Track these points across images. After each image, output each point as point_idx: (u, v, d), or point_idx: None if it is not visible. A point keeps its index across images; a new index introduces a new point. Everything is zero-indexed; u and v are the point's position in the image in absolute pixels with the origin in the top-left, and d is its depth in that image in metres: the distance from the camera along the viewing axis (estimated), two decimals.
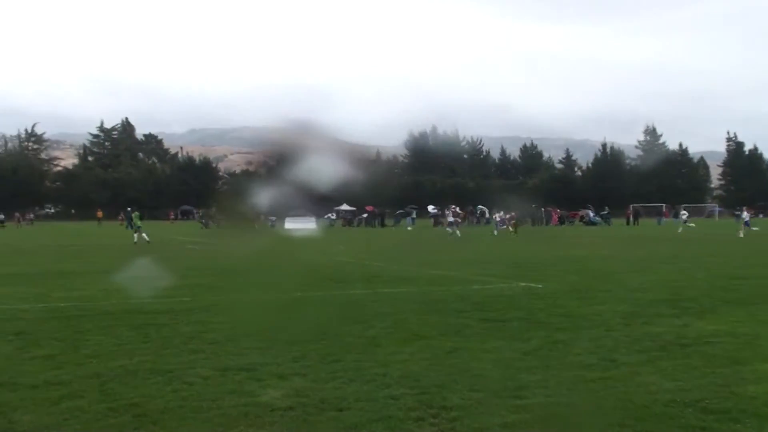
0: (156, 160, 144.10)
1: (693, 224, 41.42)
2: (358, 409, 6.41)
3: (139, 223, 38.83)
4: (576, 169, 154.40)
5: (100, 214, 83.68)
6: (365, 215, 79.17)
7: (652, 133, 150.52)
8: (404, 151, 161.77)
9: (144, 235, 37.22)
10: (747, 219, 46.49)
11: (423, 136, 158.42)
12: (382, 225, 73.12)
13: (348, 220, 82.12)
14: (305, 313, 12.08)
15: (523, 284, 16.46)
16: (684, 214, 51.47)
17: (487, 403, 6.55)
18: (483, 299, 13.78)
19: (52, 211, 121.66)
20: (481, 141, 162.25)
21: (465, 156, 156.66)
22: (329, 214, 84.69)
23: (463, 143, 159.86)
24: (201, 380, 7.40)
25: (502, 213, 57.90)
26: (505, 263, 22.82)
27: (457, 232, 50.30)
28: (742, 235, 41.05)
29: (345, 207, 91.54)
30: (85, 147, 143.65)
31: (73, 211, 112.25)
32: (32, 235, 54.54)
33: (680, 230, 42.88)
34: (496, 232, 51.26)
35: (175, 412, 6.33)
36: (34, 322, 11.31)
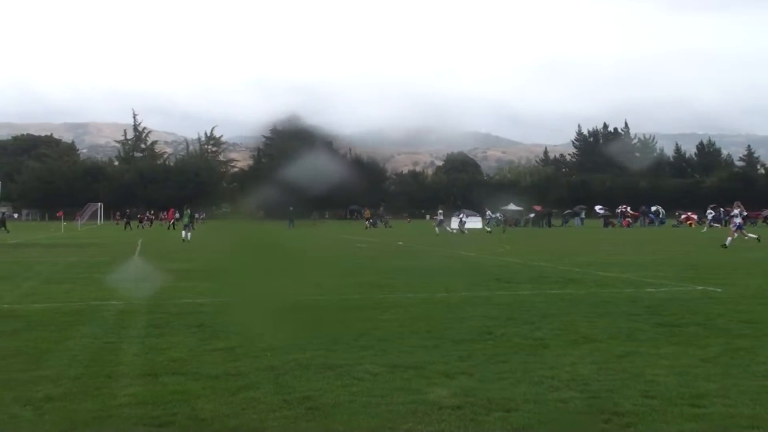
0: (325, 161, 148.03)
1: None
2: (526, 410, 6.32)
3: (186, 220, 41.15)
4: (759, 166, 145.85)
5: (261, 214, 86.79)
6: (532, 215, 78.23)
7: None
8: (572, 150, 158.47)
9: (188, 234, 39.50)
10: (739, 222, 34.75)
11: (592, 133, 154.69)
12: (549, 225, 71.95)
13: (515, 219, 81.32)
14: (472, 313, 12.05)
15: (700, 288, 15.71)
16: None
17: (662, 411, 6.30)
18: (656, 302, 13.28)
19: (229, 210, 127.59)
20: (654, 138, 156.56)
21: (637, 154, 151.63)
22: (496, 214, 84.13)
23: (635, 141, 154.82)
24: (370, 376, 7.54)
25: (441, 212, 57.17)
26: (680, 265, 21.87)
27: (447, 229, 52.27)
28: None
29: (512, 207, 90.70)
30: (259, 149, 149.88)
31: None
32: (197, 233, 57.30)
33: None
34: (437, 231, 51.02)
35: (346, 406, 6.47)
36: (212, 315, 11.89)
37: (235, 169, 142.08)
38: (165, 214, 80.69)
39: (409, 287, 16.19)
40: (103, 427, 5.96)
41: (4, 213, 62.22)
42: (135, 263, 24.88)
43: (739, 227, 33.83)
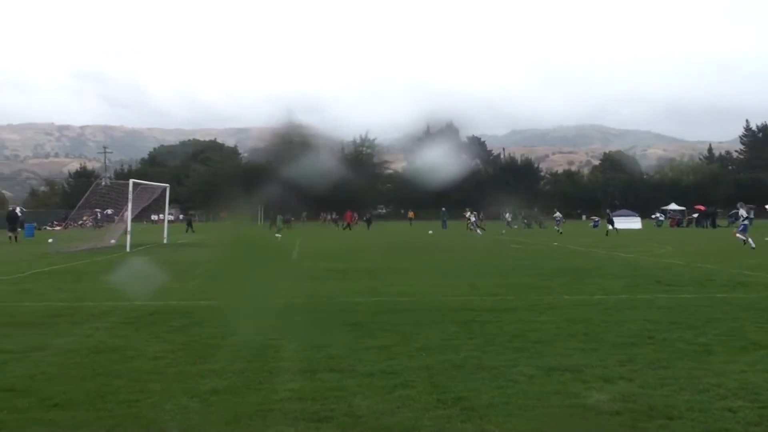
0: (479, 162, 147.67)
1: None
2: (690, 419, 6.06)
3: (281, 225, 45.39)
4: None
5: (411, 214, 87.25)
6: (695, 215, 74.99)
7: None
8: (740, 146, 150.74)
9: (278, 235, 43.26)
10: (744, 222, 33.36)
11: (761, 128, 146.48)
12: (714, 225, 68.67)
13: (676, 220, 78.18)
14: (631, 316, 11.67)
15: None
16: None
17: None
18: None
19: (383, 211, 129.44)
20: None
21: None
22: (656, 214, 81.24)
23: None
24: (525, 378, 7.45)
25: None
26: None
27: (478, 231, 51.99)
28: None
29: (673, 206, 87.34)
30: (412, 151, 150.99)
31: (402, 211, 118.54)
32: (352, 234, 58.31)
33: None
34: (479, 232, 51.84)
35: (501, 408, 6.41)
36: (368, 314, 12.10)
37: (389, 171, 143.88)
38: (328, 214, 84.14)
39: (565, 289, 15.88)
40: (265, 420, 6.17)
41: (191, 214, 66.03)
42: (293, 263, 25.65)
43: (743, 229, 32.24)
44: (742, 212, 33.25)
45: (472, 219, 55.87)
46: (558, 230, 53.96)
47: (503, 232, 53.82)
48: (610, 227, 51.57)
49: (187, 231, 57.57)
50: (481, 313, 12.07)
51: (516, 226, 59.92)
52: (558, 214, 59.18)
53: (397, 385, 7.19)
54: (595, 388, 7.04)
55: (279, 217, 46.26)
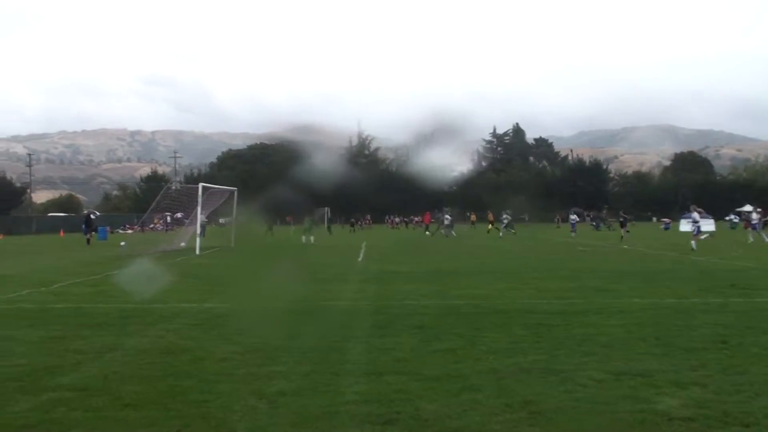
0: (546, 164, 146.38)
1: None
2: (767, 426, 5.88)
3: (308, 225, 46.17)
4: None
5: (473, 217, 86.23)
6: None
7: None
8: None
9: (311, 237, 44.45)
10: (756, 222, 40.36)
11: None
12: None
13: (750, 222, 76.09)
14: (704, 320, 11.39)
15: None
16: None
17: None
18: None
19: (450, 214, 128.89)
20: None
21: None
22: (730, 216, 79.23)
23: None
24: (594, 383, 7.33)
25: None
26: None
27: (453, 232, 52.14)
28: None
29: (747, 208, 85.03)
30: (478, 152, 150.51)
31: (467, 213, 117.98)
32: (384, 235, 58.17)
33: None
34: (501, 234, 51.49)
35: (569, 412, 6.33)
36: (434, 317, 12.06)
37: (454, 173, 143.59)
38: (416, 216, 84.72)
39: (635, 292, 15.60)
40: (331, 422, 6.20)
41: (273, 216, 66.26)
42: (360, 265, 25.74)
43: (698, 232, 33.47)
44: (695, 215, 34.57)
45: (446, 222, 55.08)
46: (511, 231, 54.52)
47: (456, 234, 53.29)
48: (623, 230, 46.79)
49: (266, 233, 57.67)
50: (549, 316, 11.94)
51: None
52: (506, 215, 57.93)
53: (464, 389, 7.16)
54: (666, 394, 6.89)
55: (308, 219, 46.72)
